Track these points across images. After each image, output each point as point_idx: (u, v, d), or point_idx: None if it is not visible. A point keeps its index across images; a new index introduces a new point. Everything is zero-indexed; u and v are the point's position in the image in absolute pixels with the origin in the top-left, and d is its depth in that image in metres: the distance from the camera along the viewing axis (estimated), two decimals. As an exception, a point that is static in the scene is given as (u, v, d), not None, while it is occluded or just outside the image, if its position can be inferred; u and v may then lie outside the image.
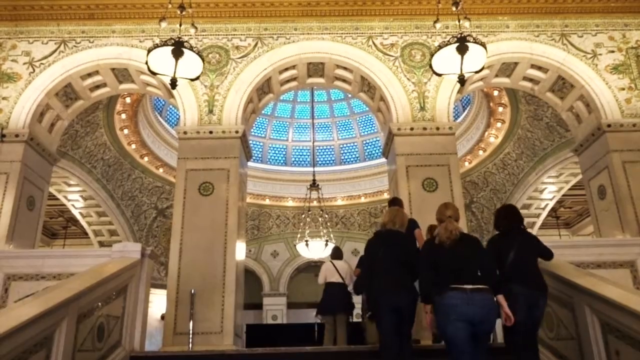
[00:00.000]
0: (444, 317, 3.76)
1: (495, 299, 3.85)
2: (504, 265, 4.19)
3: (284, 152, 18.14)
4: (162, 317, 10.65)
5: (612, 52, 8.49)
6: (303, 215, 14.97)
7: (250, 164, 9.70)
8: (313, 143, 15.87)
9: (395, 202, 6.34)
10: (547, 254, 4.58)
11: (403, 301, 4.33)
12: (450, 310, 3.71)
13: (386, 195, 14.16)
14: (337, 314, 7.52)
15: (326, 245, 13.98)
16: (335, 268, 7.70)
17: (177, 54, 5.57)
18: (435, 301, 3.86)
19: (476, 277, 3.81)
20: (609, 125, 8.01)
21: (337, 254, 8.14)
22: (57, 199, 13.57)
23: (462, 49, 5.41)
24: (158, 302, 12.94)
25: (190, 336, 6.70)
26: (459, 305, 3.68)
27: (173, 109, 14.39)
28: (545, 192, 14.08)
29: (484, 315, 3.71)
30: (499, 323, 3.98)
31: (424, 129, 8.07)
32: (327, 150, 18.18)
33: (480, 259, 3.97)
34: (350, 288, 7.38)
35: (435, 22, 6.03)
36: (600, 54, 8.47)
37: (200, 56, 5.87)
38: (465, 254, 3.93)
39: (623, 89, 8.25)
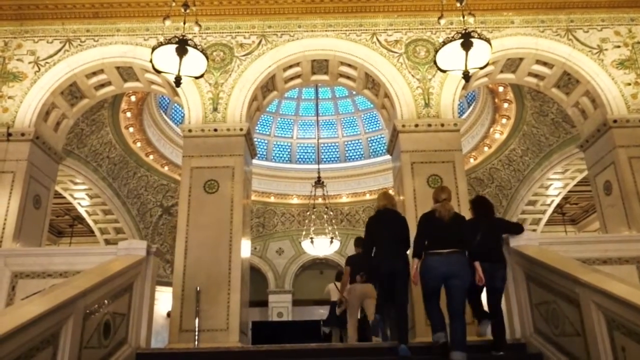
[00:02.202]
0: (425, 272, 5.05)
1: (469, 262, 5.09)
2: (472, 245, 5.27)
3: (288, 150, 18.15)
4: (168, 315, 10.71)
5: (618, 47, 8.44)
6: (308, 213, 14.98)
7: (255, 161, 9.72)
8: (318, 140, 15.88)
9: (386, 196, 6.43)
10: (516, 229, 5.88)
11: (398, 266, 5.50)
12: (430, 268, 5.01)
13: (391, 192, 14.16)
14: (340, 327, 8.97)
15: (331, 242, 14.01)
16: (337, 289, 9.22)
17: (182, 52, 5.58)
18: (422, 259, 5.13)
19: (455, 245, 5.03)
20: (615, 121, 7.96)
21: (340, 277, 9.34)
22: (63, 197, 13.64)
23: (466, 45, 5.39)
24: (164, 300, 13.01)
25: (196, 333, 6.73)
26: (437, 267, 4.97)
27: (178, 107, 14.42)
28: (550, 188, 14.02)
29: (456, 270, 4.94)
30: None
31: (429, 125, 8.05)
32: (331, 147, 18.17)
33: (462, 232, 5.17)
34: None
35: (439, 18, 6.01)
36: (606, 49, 8.42)
37: (205, 54, 5.87)
38: (453, 228, 5.13)
39: (629, 84, 8.20)
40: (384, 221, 5.70)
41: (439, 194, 5.35)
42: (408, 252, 5.73)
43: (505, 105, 12.54)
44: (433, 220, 5.20)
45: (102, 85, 8.92)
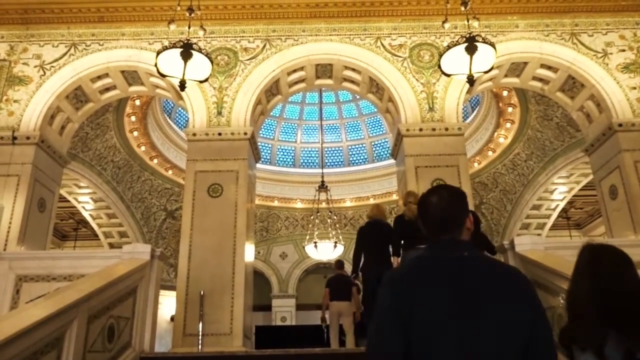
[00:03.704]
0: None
1: None
2: None
3: (292, 154, 18.15)
4: (172, 319, 10.70)
5: (623, 51, 8.41)
6: (312, 217, 14.97)
7: (258, 165, 9.72)
8: (322, 144, 15.88)
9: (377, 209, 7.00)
10: (489, 248, 5.94)
11: (384, 271, 5.89)
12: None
13: (395, 197, 14.14)
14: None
15: (335, 246, 13.97)
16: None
17: (186, 56, 5.60)
18: (402, 256, 5.53)
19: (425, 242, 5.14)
20: (620, 125, 7.93)
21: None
22: (68, 201, 13.67)
23: (471, 49, 5.39)
24: (168, 304, 13.01)
25: (200, 337, 6.72)
26: None
27: (182, 111, 14.45)
28: (555, 192, 13.97)
29: None
30: None
31: (433, 129, 8.03)
32: (335, 151, 18.17)
33: None
34: None
35: (443, 22, 6.01)
36: (611, 53, 8.39)
37: (209, 58, 5.89)
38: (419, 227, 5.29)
39: (634, 88, 8.17)
40: (372, 231, 6.19)
41: (407, 198, 5.91)
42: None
43: (510, 109, 12.51)
44: (403, 222, 5.69)
45: (107, 89, 8.95)
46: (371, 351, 1.65)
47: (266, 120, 13.56)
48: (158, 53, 5.76)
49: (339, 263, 9.23)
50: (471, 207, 7.56)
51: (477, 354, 1.55)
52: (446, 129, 8.03)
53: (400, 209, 7.50)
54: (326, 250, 14.14)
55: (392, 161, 10.11)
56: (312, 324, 14.56)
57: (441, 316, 1.60)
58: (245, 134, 8.06)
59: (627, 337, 1.76)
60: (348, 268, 8.80)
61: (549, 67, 8.57)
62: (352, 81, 9.03)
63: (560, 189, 13.87)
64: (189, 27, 6.01)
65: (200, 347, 6.66)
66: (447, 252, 1.74)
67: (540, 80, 8.87)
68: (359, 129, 18.24)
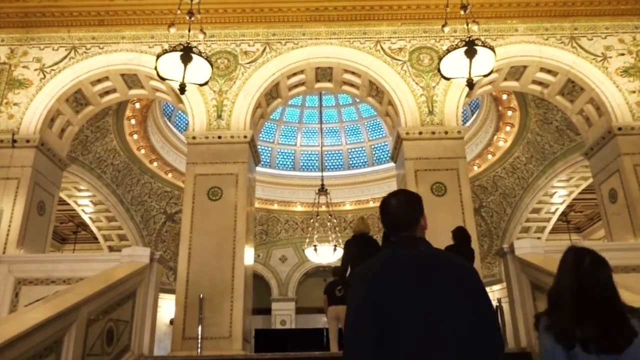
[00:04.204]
0: None
1: None
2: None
3: (292, 157, 18.15)
4: (171, 322, 10.68)
5: (623, 54, 8.43)
6: (311, 220, 14.96)
7: (258, 168, 9.72)
8: (321, 148, 15.89)
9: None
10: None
11: None
12: None
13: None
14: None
15: (334, 250, 13.96)
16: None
17: (186, 59, 5.61)
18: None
19: None
20: (619, 129, 7.94)
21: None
22: (67, 204, 13.66)
23: (470, 53, 5.40)
24: (167, 307, 12.98)
25: (199, 341, 6.70)
26: None
27: (182, 114, 14.46)
28: (555, 196, 13.97)
29: None
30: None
31: (433, 133, 8.04)
32: (335, 154, 18.17)
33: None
34: None
35: (443, 26, 6.02)
36: (610, 57, 8.41)
37: (209, 61, 5.90)
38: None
39: (634, 91, 8.18)
40: (357, 245, 6.27)
41: (359, 224, 6.57)
42: None
43: (509, 112, 12.53)
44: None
45: (107, 92, 8.96)
46: (349, 335, 1.92)
47: (266, 123, 13.56)
48: (158, 56, 5.76)
49: (336, 270, 9.28)
50: (471, 210, 7.59)
51: (439, 335, 1.83)
52: (446, 133, 8.04)
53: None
54: (326, 253, 14.12)
55: (392, 164, 10.11)
56: (312, 328, 14.57)
57: (406, 305, 1.88)
58: (245, 137, 8.07)
59: (596, 324, 2.06)
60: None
61: (549, 71, 8.58)
62: (352, 84, 9.04)
63: (560, 193, 13.87)
64: (189, 31, 6.02)
65: (199, 350, 6.65)
66: (407, 249, 2.02)
67: (540, 83, 8.88)
68: (358, 132, 18.25)
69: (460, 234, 6.30)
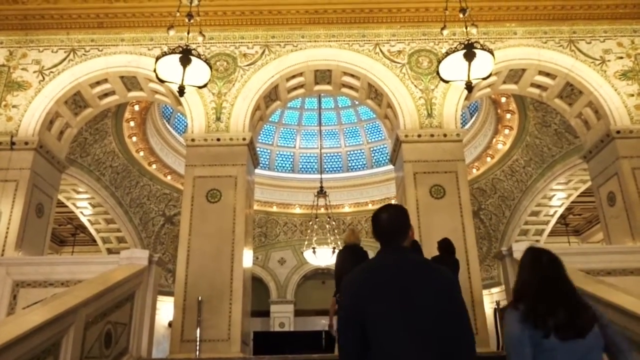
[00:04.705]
0: None
1: None
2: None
3: (291, 159, 18.16)
4: (170, 325, 10.66)
5: (621, 58, 8.45)
6: (310, 222, 14.96)
7: (257, 171, 9.72)
8: (320, 150, 15.88)
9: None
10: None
11: None
12: None
13: (394, 202, 14.13)
14: None
15: (333, 252, 13.95)
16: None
17: (185, 61, 5.60)
18: None
19: None
20: (618, 132, 7.95)
21: None
22: (66, 206, 13.65)
23: (469, 56, 5.40)
24: (165, 309, 12.97)
25: (198, 343, 6.69)
26: None
27: (181, 116, 14.46)
28: (554, 199, 13.98)
29: None
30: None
31: (432, 135, 8.05)
32: (334, 157, 18.17)
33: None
34: None
35: (442, 29, 6.03)
36: (608, 60, 8.43)
37: (208, 64, 5.90)
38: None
39: (632, 95, 8.20)
40: (349, 255, 6.30)
41: (350, 236, 6.60)
42: None
43: (508, 115, 12.54)
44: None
45: (106, 95, 8.96)
46: (339, 338, 2.20)
47: (265, 125, 13.56)
48: (157, 59, 5.76)
49: None
50: (470, 213, 7.59)
51: (417, 334, 2.06)
52: (445, 135, 8.04)
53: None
54: (325, 255, 14.11)
55: (390, 167, 10.12)
56: (311, 330, 14.54)
57: (388, 307, 2.10)
58: (244, 139, 8.07)
59: (565, 312, 2.29)
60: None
61: (547, 74, 8.60)
62: (351, 87, 9.05)
63: (558, 196, 13.88)
64: (188, 33, 6.03)
65: (197, 353, 6.64)
66: (393, 257, 2.25)
67: (539, 86, 8.90)
68: (357, 134, 18.26)
69: (446, 245, 6.36)
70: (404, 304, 2.09)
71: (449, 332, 2.08)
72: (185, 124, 13.80)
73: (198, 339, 6.71)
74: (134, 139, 13.08)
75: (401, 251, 2.27)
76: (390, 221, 2.32)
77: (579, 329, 2.26)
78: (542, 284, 2.39)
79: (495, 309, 9.24)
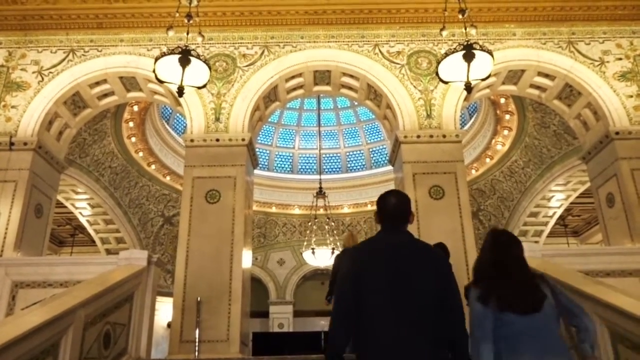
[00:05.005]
0: None
1: None
2: None
3: (290, 160, 18.16)
4: (169, 325, 10.65)
5: (620, 59, 8.46)
6: (309, 223, 14.95)
7: (256, 171, 9.72)
8: (319, 151, 15.89)
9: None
10: None
11: None
12: None
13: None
14: None
15: (332, 253, 13.95)
16: None
17: (184, 62, 5.60)
18: None
19: None
20: (617, 133, 7.96)
21: None
22: (65, 206, 13.64)
23: (468, 57, 5.41)
24: (164, 310, 12.96)
25: (197, 344, 6.69)
26: None
27: (180, 117, 14.45)
28: (553, 200, 13.99)
29: None
30: None
31: (431, 136, 8.06)
32: (333, 157, 18.18)
33: None
34: None
35: (441, 29, 6.03)
36: (607, 62, 8.44)
37: (207, 64, 5.90)
38: None
39: (631, 96, 8.21)
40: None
41: (349, 239, 6.96)
42: None
43: (507, 116, 12.55)
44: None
45: (105, 95, 8.96)
46: (338, 293, 2.47)
47: (264, 126, 13.56)
48: (156, 59, 5.76)
49: None
50: (469, 213, 7.59)
51: (405, 306, 2.31)
52: (444, 136, 8.05)
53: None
54: (324, 256, 14.11)
55: (390, 167, 10.11)
56: (310, 331, 14.54)
57: (380, 282, 2.37)
58: (243, 140, 8.07)
59: (515, 289, 2.53)
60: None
61: (546, 75, 8.60)
62: (350, 88, 9.05)
63: (557, 197, 13.89)
64: (188, 34, 6.03)
65: (197, 354, 6.64)
66: (393, 237, 2.52)
67: (538, 87, 8.91)
68: (356, 135, 18.27)
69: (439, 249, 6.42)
70: (396, 280, 2.34)
71: (440, 305, 2.31)
72: (184, 124, 13.79)
73: (197, 339, 6.71)
74: (133, 139, 13.07)
75: (401, 232, 2.52)
76: (397, 206, 2.56)
77: (532, 303, 2.49)
78: (499, 262, 2.60)
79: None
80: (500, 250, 2.65)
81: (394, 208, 2.56)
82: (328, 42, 8.66)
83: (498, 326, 2.46)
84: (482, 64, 5.51)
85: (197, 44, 6.38)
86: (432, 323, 2.27)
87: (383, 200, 2.61)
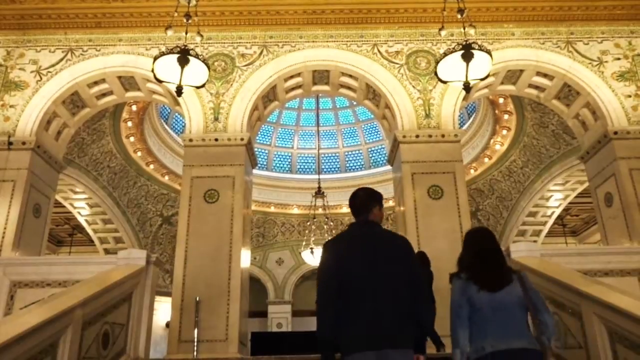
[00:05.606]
0: None
1: None
2: None
3: (289, 160, 18.15)
4: (167, 325, 10.65)
5: (618, 59, 8.47)
6: (308, 223, 14.94)
7: (255, 171, 9.72)
8: (318, 150, 15.88)
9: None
10: None
11: None
12: None
13: (392, 203, 14.14)
14: None
15: (331, 252, 13.94)
16: None
17: (183, 61, 5.59)
18: None
19: None
20: (615, 133, 7.97)
21: None
22: (63, 206, 13.61)
23: (467, 57, 5.41)
24: (163, 310, 12.94)
25: (195, 344, 6.69)
26: None
27: (179, 116, 14.45)
28: (551, 199, 14.00)
29: None
30: None
31: (430, 136, 8.06)
32: (332, 157, 18.18)
33: None
34: None
35: (440, 29, 6.03)
36: (606, 61, 8.45)
37: (206, 64, 5.89)
38: None
39: (629, 96, 8.22)
40: None
41: None
42: None
43: (506, 116, 12.56)
44: None
45: (104, 95, 8.95)
46: (320, 287, 2.77)
47: (263, 126, 13.55)
48: (155, 59, 5.75)
49: None
50: (467, 213, 7.59)
51: (381, 287, 2.67)
52: (442, 136, 8.05)
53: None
54: (322, 256, 14.10)
55: (388, 167, 10.11)
56: (308, 330, 14.52)
57: (356, 269, 2.72)
58: (242, 139, 8.06)
59: (489, 273, 2.99)
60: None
61: (545, 75, 8.61)
62: (349, 87, 9.05)
63: (556, 196, 13.90)
64: (186, 33, 6.02)
65: (195, 353, 6.63)
66: (362, 228, 2.90)
67: (536, 87, 8.92)
68: (355, 135, 18.27)
69: (420, 258, 6.35)
70: (370, 267, 2.70)
71: (407, 289, 2.69)
72: (183, 124, 13.80)
73: (196, 339, 6.71)
74: (132, 139, 13.05)
75: (369, 224, 2.90)
76: (362, 198, 3.02)
77: (501, 281, 2.92)
78: (478, 252, 3.05)
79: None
80: (477, 243, 3.11)
81: (360, 202, 3.01)
82: (327, 41, 8.66)
83: (472, 312, 2.90)
84: (481, 64, 5.51)
85: (196, 43, 6.38)
86: (402, 300, 2.66)
87: (352, 196, 3.10)
